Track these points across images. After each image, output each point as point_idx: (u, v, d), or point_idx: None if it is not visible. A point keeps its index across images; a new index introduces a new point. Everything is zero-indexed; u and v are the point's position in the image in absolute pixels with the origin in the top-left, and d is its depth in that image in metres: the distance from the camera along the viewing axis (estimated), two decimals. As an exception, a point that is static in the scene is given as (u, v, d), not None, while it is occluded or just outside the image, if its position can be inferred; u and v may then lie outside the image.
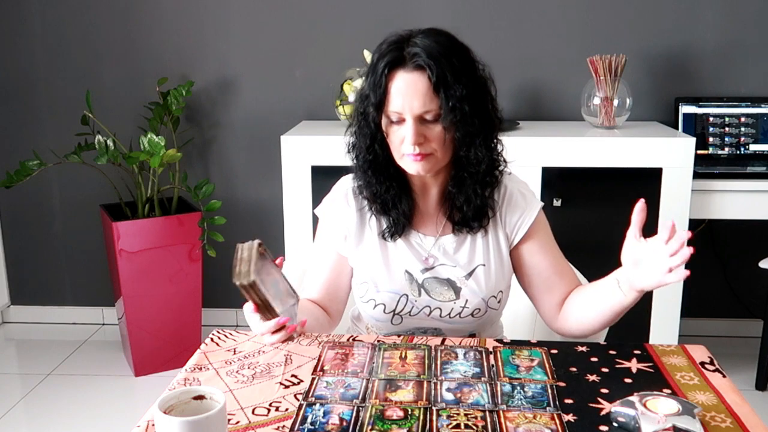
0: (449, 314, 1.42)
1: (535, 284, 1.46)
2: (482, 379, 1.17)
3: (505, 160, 1.41)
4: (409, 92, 1.28)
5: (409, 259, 1.43)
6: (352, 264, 1.47)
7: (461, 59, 1.30)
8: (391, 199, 1.39)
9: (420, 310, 1.43)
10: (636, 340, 1.42)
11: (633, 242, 1.24)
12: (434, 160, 1.33)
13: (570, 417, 1.05)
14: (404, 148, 1.31)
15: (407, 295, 1.42)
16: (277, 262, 1.26)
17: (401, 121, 1.30)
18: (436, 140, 1.31)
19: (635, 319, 2.56)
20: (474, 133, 1.31)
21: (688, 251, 1.13)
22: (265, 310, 1.20)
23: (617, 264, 2.40)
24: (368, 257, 1.44)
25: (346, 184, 1.47)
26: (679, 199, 2.47)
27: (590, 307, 1.36)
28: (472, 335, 1.48)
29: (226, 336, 1.36)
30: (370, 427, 1.03)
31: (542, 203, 1.47)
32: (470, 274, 1.42)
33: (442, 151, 1.32)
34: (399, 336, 1.37)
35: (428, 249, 1.44)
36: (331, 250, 1.47)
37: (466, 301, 1.42)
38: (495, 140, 1.37)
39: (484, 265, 1.43)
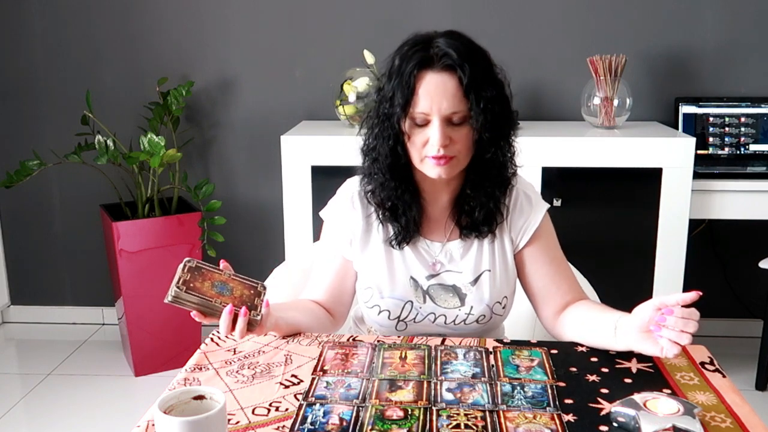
0: (454, 321, 1.42)
1: (532, 291, 1.45)
2: (482, 379, 1.17)
3: (515, 164, 1.41)
4: (438, 93, 1.26)
5: (415, 265, 1.42)
6: (357, 268, 1.46)
7: (485, 61, 1.31)
8: (401, 205, 1.38)
9: (425, 317, 1.42)
10: (636, 340, 1.42)
11: (651, 312, 1.19)
12: (456, 164, 1.32)
13: (570, 417, 1.05)
14: (428, 150, 1.29)
15: (412, 302, 1.42)
16: (222, 266, 1.24)
17: (426, 123, 1.29)
18: (462, 142, 1.30)
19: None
20: (501, 136, 1.32)
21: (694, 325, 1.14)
22: (209, 310, 1.19)
23: (616, 264, 2.40)
24: (373, 263, 1.43)
25: (352, 187, 1.46)
26: (679, 199, 2.47)
27: (586, 335, 1.32)
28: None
29: (226, 336, 1.36)
30: (370, 427, 1.03)
31: (548, 205, 1.46)
32: (476, 280, 1.42)
33: (465, 154, 1.32)
34: (399, 336, 1.37)
35: (435, 255, 1.43)
36: (336, 253, 1.47)
37: (471, 307, 1.41)
38: (514, 143, 1.38)
39: (489, 270, 1.42)
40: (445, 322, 1.42)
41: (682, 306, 1.15)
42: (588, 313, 1.35)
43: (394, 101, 1.29)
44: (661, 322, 1.16)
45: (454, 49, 1.27)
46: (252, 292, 1.24)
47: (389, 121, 1.31)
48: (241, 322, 1.18)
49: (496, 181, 1.37)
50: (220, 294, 1.20)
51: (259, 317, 1.21)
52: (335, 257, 1.47)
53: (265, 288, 1.26)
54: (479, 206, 1.38)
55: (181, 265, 1.20)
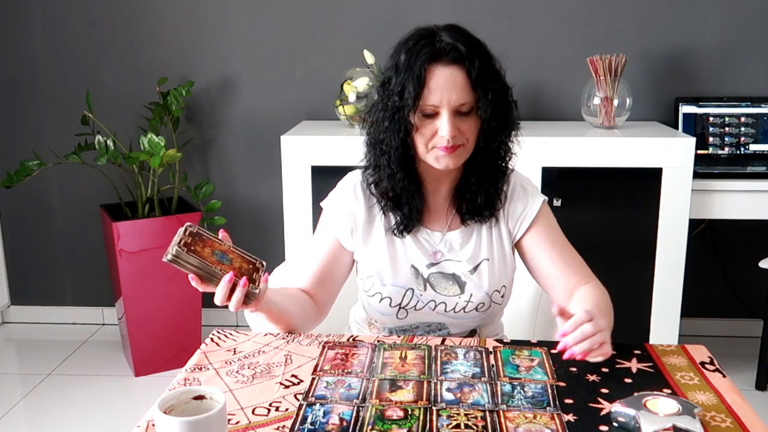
0: (454, 309, 1.44)
1: (540, 279, 1.47)
2: (482, 379, 1.17)
3: (512, 152, 1.43)
4: (447, 86, 1.29)
5: (416, 254, 1.44)
6: (358, 258, 1.47)
7: (488, 54, 1.34)
8: (405, 195, 1.40)
9: (425, 304, 1.44)
10: (636, 340, 1.42)
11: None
12: (463, 152, 1.35)
13: (570, 417, 1.05)
14: (437, 141, 1.33)
15: (413, 290, 1.43)
16: (221, 236, 1.25)
17: (434, 114, 1.32)
18: (469, 132, 1.33)
19: (635, 319, 2.57)
20: (508, 125, 1.37)
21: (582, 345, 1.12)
22: (207, 275, 1.18)
23: (616, 264, 2.40)
24: (375, 252, 1.45)
25: (354, 178, 1.48)
26: (679, 199, 2.47)
27: None
28: (474, 331, 1.48)
29: (226, 336, 1.37)
30: (370, 427, 1.03)
31: (545, 197, 1.48)
32: (475, 268, 1.43)
33: (471, 143, 1.35)
34: (399, 336, 1.37)
35: (435, 244, 1.45)
36: (332, 239, 1.47)
37: (471, 295, 1.43)
38: (516, 131, 1.41)
39: (488, 259, 1.44)
40: (445, 310, 1.44)
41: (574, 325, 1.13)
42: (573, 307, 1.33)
43: (403, 95, 1.31)
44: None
45: (461, 43, 1.30)
46: (251, 266, 1.24)
47: (399, 114, 1.33)
48: (239, 293, 1.19)
49: (498, 168, 1.42)
50: (219, 262, 1.20)
51: (257, 291, 1.21)
52: (330, 244, 1.47)
53: (263, 265, 1.27)
54: (481, 192, 1.41)
55: (182, 229, 1.20)
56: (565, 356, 1.13)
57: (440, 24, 1.36)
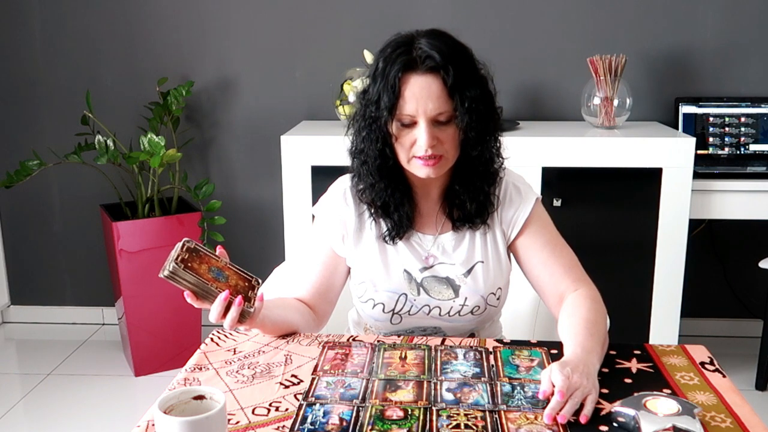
0: (449, 313, 1.43)
1: (532, 282, 1.46)
2: (482, 379, 1.17)
3: (502, 157, 1.42)
4: (423, 95, 1.28)
5: (409, 258, 1.43)
6: (350, 264, 1.46)
7: (468, 60, 1.32)
8: (393, 203, 1.39)
9: (419, 309, 1.43)
10: (636, 340, 1.43)
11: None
12: (445, 163, 1.33)
13: (570, 417, 1.05)
14: (415, 151, 1.31)
15: (406, 294, 1.42)
16: (218, 252, 1.25)
17: (413, 124, 1.30)
18: (449, 141, 1.31)
19: (635, 319, 2.57)
20: (487, 133, 1.33)
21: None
22: (203, 293, 1.18)
23: (616, 264, 2.40)
24: (367, 257, 1.44)
25: (344, 183, 1.47)
26: (679, 199, 2.47)
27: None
28: (472, 335, 1.48)
29: (226, 336, 1.37)
30: (370, 427, 1.03)
31: (539, 195, 1.47)
32: (469, 271, 1.42)
33: (453, 152, 1.33)
34: (399, 336, 1.37)
35: (428, 248, 1.44)
36: (327, 249, 1.46)
37: (465, 299, 1.42)
38: (499, 138, 1.39)
39: (482, 262, 1.43)
40: (439, 314, 1.43)
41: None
42: (561, 329, 1.32)
43: (380, 104, 1.30)
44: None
45: (437, 51, 1.27)
46: (246, 284, 1.24)
47: (376, 124, 1.32)
48: (233, 311, 1.19)
49: (484, 176, 1.39)
50: (216, 279, 1.20)
51: (252, 309, 1.21)
52: (325, 253, 1.47)
53: (259, 283, 1.27)
54: (470, 199, 1.39)
55: (179, 244, 1.20)
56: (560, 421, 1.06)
57: (422, 29, 1.33)
